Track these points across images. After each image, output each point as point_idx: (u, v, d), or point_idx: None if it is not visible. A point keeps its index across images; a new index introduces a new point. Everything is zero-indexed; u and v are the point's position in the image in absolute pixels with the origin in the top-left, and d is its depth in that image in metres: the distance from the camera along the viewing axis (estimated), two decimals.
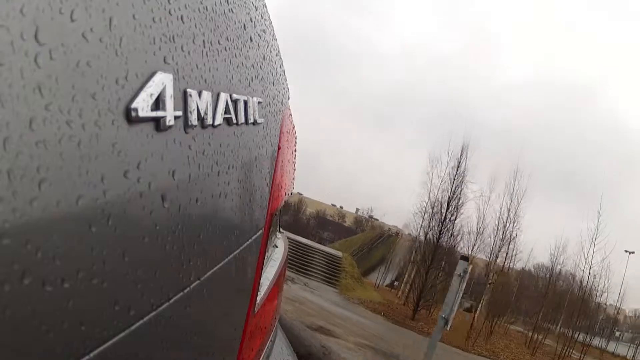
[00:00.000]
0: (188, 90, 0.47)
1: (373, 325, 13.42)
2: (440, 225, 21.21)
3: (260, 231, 0.73)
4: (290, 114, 0.99)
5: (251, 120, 0.66)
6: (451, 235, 21.65)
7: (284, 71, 0.94)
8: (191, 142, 0.48)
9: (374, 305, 17.96)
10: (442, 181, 22.56)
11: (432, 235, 21.39)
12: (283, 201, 0.88)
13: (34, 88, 0.29)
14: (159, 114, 0.41)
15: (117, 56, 0.37)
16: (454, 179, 21.71)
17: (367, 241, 43.67)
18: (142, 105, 0.39)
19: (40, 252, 0.29)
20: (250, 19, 0.71)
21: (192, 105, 0.48)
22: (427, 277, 19.46)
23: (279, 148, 0.82)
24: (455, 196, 21.57)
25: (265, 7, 0.83)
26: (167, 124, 0.43)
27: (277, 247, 1.04)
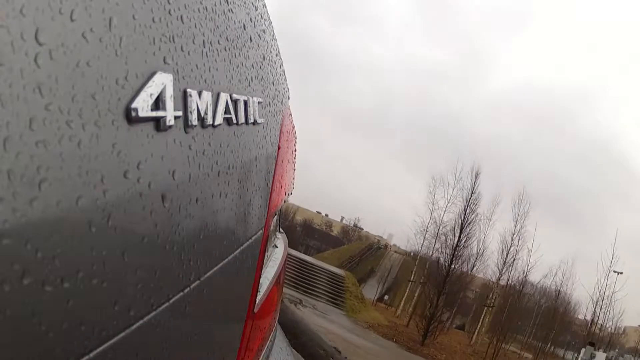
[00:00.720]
0: (188, 90, 0.47)
1: (393, 355, 13.50)
2: (453, 251, 20.88)
3: (260, 231, 0.73)
4: (290, 114, 0.99)
5: (251, 120, 0.66)
6: (463, 262, 21.31)
7: (284, 71, 0.94)
8: (191, 142, 0.48)
9: (383, 330, 17.80)
10: (449, 203, 22.44)
11: (445, 260, 21.03)
12: (283, 201, 0.88)
13: (34, 88, 0.29)
14: (159, 114, 0.41)
15: (117, 56, 0.37)
16: (467, 206, 21.47)
17: (357, 253, 43.78)
18: (142, 105, 0.39)
19: (40, 252, 0.29)
20: (250, 19, 0.71)
21: (192, 105, 0.48)
22: (437, 303, 19.14)
23: (279, 148, 0.82)
24: (468, 222, 21.31)
25: (265, 7, 0.83)
26: (167, 124, 0.43)
27: (277, 247, 1.04)
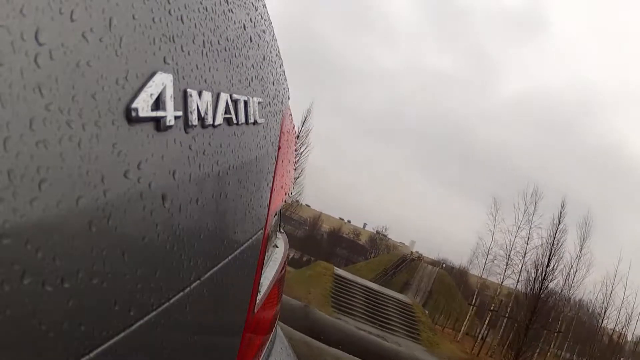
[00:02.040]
0: (188, 90, 0.47)
1: None
2: (540, 284, 20.37)
3: (260, 231, 0.73)
4: (290, 114, 0.99)
5: (251, 120, 0.66)
6: (549, 296, 20.68)
7: (284, 71, 0.94)
8: (191, 142, 0.48)
9: None
10: (519, 228, 22.17)
11: (532, 291, 20.42)
12: (283, 201, 0.88)
13: (34, 88, 0.29)
14: (159, 114, 0.41)
15: (117, 56, 0.37)
16: (554, 238, 20.84)
17: (390, 265, 43.42)
18: (142, 105, 0.39)
19: (40, 252, 0.29)
20: (250, 19, 0.71)
21: (192, 105, 0.48)
22: (526, 336, 18.64)
23: (279, 148, 0.82)
24: (554, 253, 20.70)
25: (265, 7, 0.83)
26: (167, 124, 0.43)
27: (277, 247, 1.04)
